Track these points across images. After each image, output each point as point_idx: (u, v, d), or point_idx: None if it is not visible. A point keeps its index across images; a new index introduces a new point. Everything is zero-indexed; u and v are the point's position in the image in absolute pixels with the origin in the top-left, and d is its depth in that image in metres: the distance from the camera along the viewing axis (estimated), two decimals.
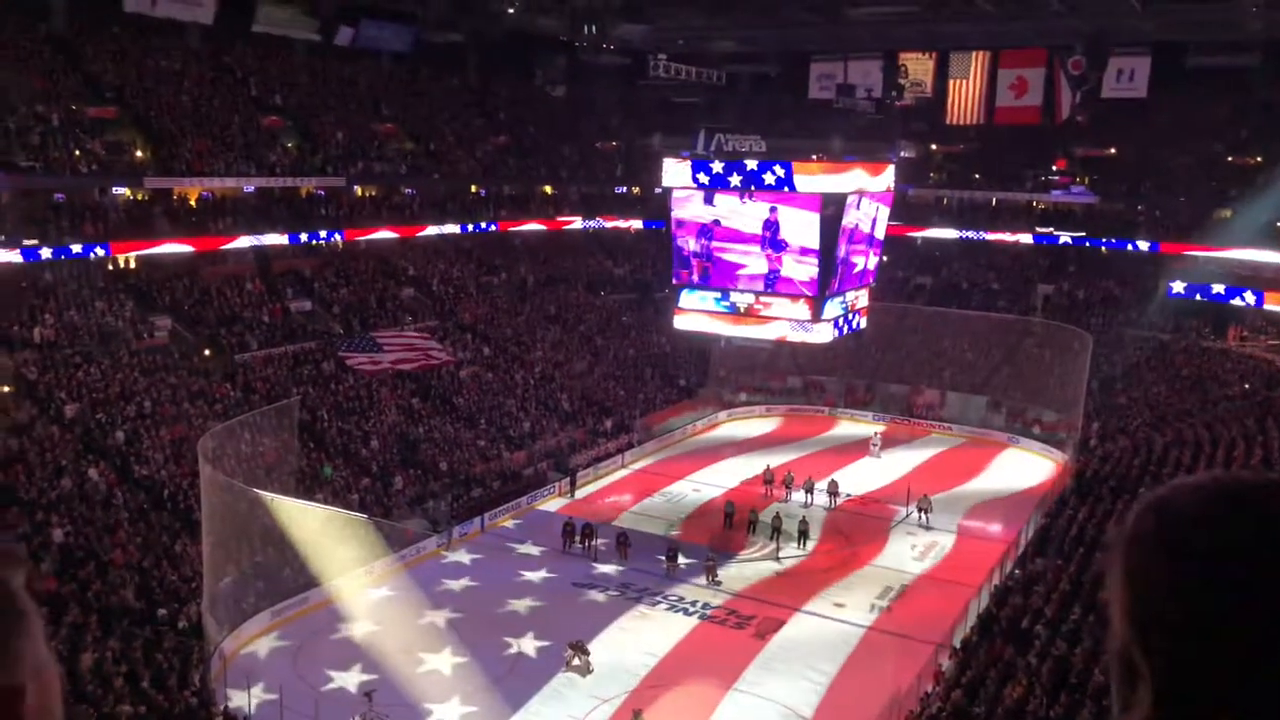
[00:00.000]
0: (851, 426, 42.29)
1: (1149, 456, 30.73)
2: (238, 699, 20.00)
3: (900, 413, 43.20)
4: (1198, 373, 39.61)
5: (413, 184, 45.88)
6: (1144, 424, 35.47)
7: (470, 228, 46.02)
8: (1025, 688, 18.13)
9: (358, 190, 43.86)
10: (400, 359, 35.22)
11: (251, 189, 39.46)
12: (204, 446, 24.23)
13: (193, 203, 38.43)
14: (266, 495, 24.79)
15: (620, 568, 27.48)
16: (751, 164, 27.49)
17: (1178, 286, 43.06)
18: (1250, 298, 40.42)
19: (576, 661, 21.71)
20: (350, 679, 21.26)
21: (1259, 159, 45.65)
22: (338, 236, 40.99)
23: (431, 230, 44.22)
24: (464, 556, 28.48)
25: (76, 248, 32.50)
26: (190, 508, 25.86)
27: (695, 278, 29.84)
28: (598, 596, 25.91)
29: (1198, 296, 42.46)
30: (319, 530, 25.52)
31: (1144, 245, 46.04)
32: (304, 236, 39.40)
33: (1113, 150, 51.10)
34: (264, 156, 39.48)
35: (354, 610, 24.52)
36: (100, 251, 33.49)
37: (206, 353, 33.46)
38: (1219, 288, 41.69)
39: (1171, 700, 0.98)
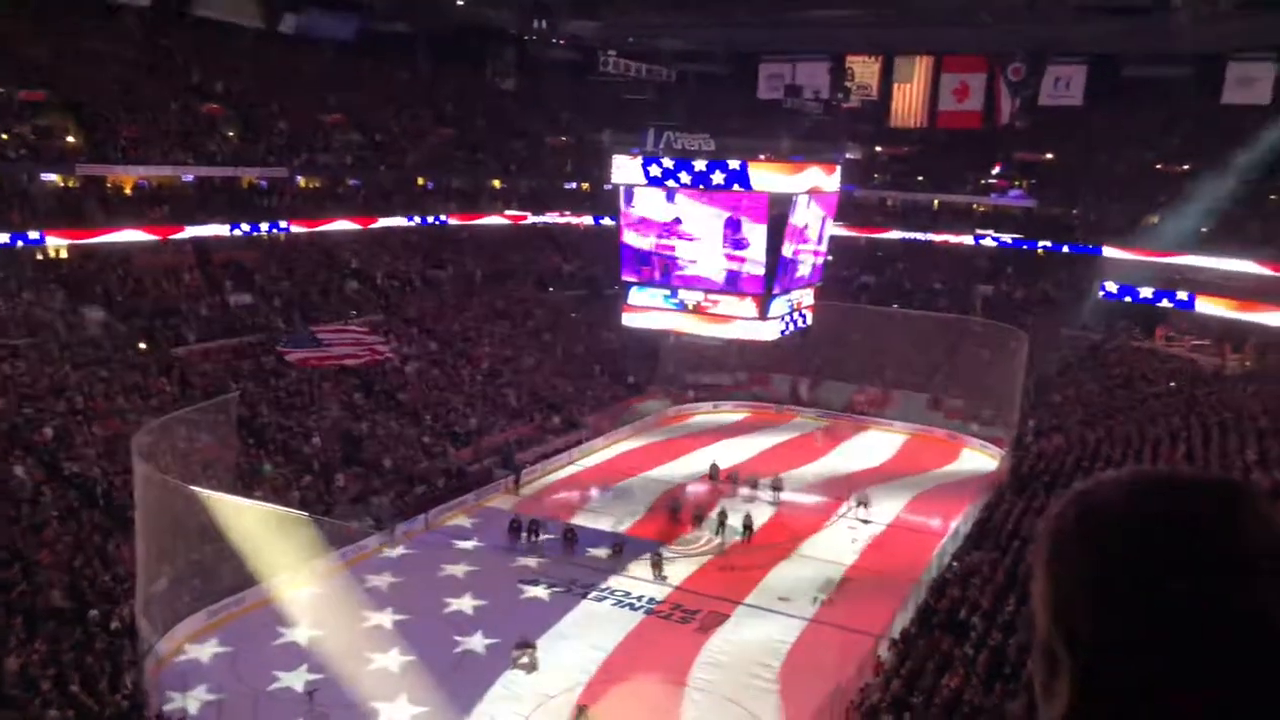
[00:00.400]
0: (796, 423, 42.73)
1: (1082, 452, 31.52)
2: (175, 701, 19.61)
3: (844, 409, 43.73)
4: (1128, 372, 40.69)
5: (358, 176, 45.37)
6: (1077, 421, 36.34)
7: (417, 221, 45.64)
8: (962, 678, 18.52)
9: (301, 181, 43.27)
10: (341, 354, 34.77)
11: (190, 178, 38.71)
12: (139, 442, 23.70)
13: (128, 191, 37.60)
14: (203, 492, 24.30)
15: (567, 563, 27.48)
16: (701, 162, 27.63)
17: (1110, 287, 44.17)
18: (1183, 296, 41.58)
19: (524, 659, 21.67)
20: (295, 679, 20.96)
21: (1187, 167, 47.03)
22: (279, 229, 40.33)
23: (377, 223, 43.76)
24: (407, 554, 28.24)
25: (3, 237, 31.57)
26: (124, 505, 25.24)
27: (644, 274, 29.94)
28: (544, 593, 25.88)
29: (1128, 299, 43.59)
30: (258, 528, 25.11)
31: (1080, 248, 47.16)
32: (245, 228, 38.71)
33: (1050, 156, 52.33)
34: (204, 145, 38.75)
35: (294, 610, 24.18)
36: (34, 235, 32.56)
37: (142, 346, 32.73)
38: (1147, 291, 42.83)
39: (1090, 690, 0.99)
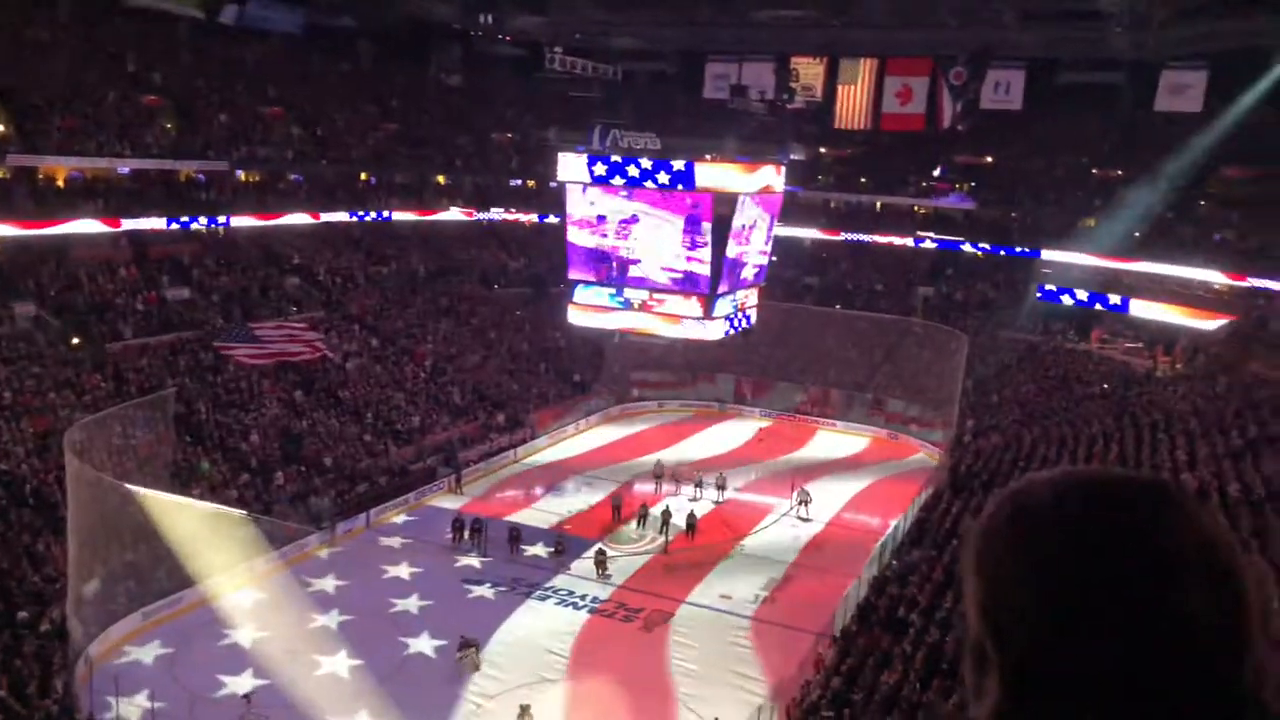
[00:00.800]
0: (740, 422, 43.04)
1: (1018, 452, 32.16)
2: (111, 708, 19.15)
3: (787, 409, 44.13)
4: (1064, 373, 41.62)
5: (300, 170, 44.72)
6: (1014, 421, 37.08)
7: (360, 216, 45.11)
8: (900, 674, 18.82)
9: (241, 175, 42.52)
10: (279, 351, 34.21)
11: (126, 170, 37.84)
12: (71, 439, 23.18)
13: (60, 183, 36.66)
14: (139, 491, 23.85)
15: (511, 562, 27.39)
16: (647, 161, 27.68)
17: (1046, 292, 45.02)
18: (1117, 299, 42.55)
19: (466, 658, 21.56)
20: (241, 684, 20.55)
21: (1122, 173, 48.22)
22: (218, 224, 39.61)
23: (319, 218, 43.17)
24: (348, 554, 27.93)
25: None
26: (54, 504, 24.65)
27: (590, 273, 29.94)
28: (488, 592, 25.76)
29: (1066, 298, 44.49)
30: (195, 527, 24.68)
31: (1016, 250, 48.08)
32: (175, 222, 37.93)
33: (990, 159, 53.26)
34: (140, 137, 37.91)
35: (234, 611, 23.79)
36: None
37: (75, 341, 31.94)
38: (1083, 294, 43.76)
39: (1018, 687, 1.00)
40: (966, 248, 49.67)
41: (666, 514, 29.92)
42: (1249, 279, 39.14)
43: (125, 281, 35.87)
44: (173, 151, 38.92)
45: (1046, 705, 0.98)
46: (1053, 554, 0.99)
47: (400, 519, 30.77)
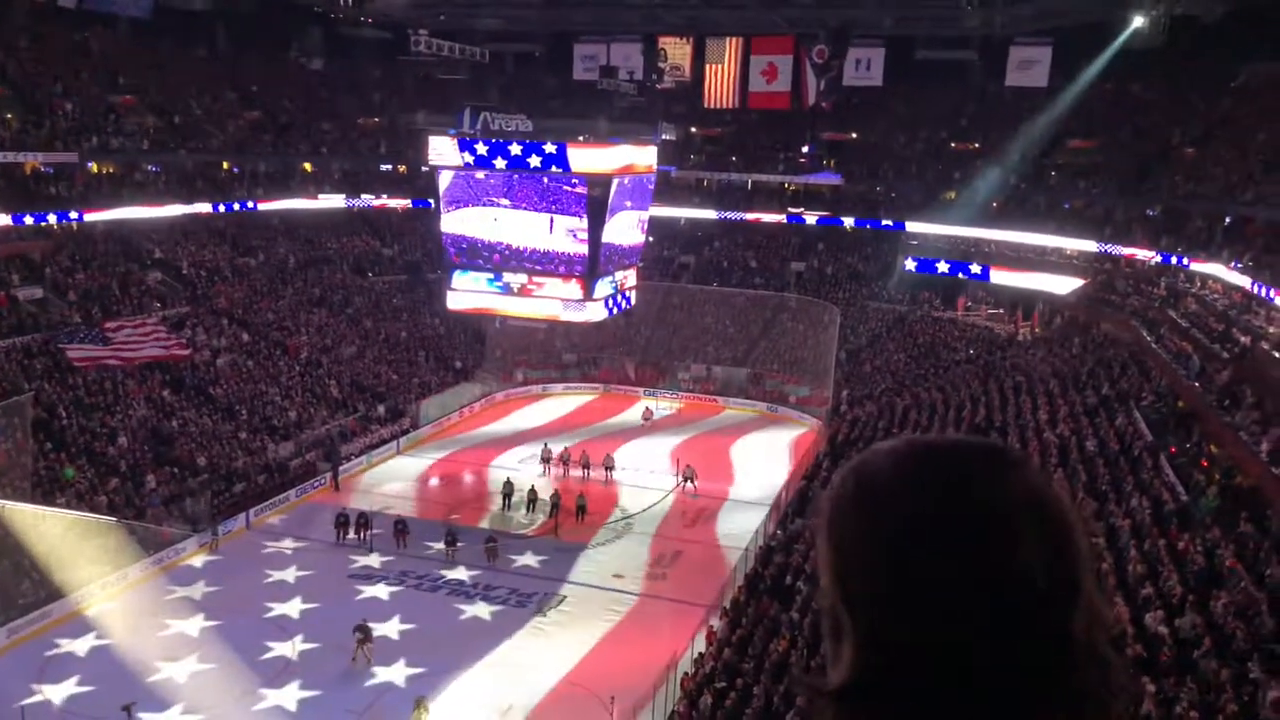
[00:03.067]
0: (624, 403, 43.36)
1: (891, 419, 33.45)
2: None
3: (668, 387, 44.67)
4: (931, 341, 43.39)
5: (157, 160, 42.81)
6: (886, 389, 38.52)
7: (223, 207, 43.50)
8: (789, 641, 19.43)
9: (93, 166, 40.47)
10: (130, 354, 32.75)
11: None
12: None
13: None
14: None
15: (400, 556, 27.04)
16: (518, 147, 27.57)
17: (910, 265, 46.64)
18: (977, 269, 44.36)
19: (360, 652, 21.25)
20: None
21: (978, 145, 50.31)
22: (69, 219, 37.62)
23: (179, 209, 41.44)
24: (228, 556, 27.09)
25: None
26: None
27: (466, 258, 29.68)
28: (377, 589, 25.37)
29: (931, 270, 46.14)
30: (61, 538, 23.59)
31: (881, 224, 49.68)
32: (30, 218, 35.94)
33: (854, 135, 54.79)
34: None
35: (102, 622, 22.83)
36: None
37: None
38: (945, 266, 45.47)
39: (870, 652, 1.04)
40: (815, 221, 50.96)
41: (555, 497, 30.02)
42: (1097, 245, 41.44)
43: None
44: (15, 144, 36.74)
45: (897, 668, 1.02)
46: (893, 520, 1.04)
47: (281, 518, 29.97)
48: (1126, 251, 40.08)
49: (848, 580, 1.06)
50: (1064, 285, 40.57)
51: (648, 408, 41.53)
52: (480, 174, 28.40)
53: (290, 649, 22.13)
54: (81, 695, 19.91)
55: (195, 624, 23.05)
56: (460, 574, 26.22)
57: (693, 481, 32.57)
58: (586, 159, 27.61)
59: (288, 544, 28.02)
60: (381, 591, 25.23)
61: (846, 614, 1.06)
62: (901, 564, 1.02)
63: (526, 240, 28.75)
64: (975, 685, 1.00)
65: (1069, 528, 1.06)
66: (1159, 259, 38.23)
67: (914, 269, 46.47)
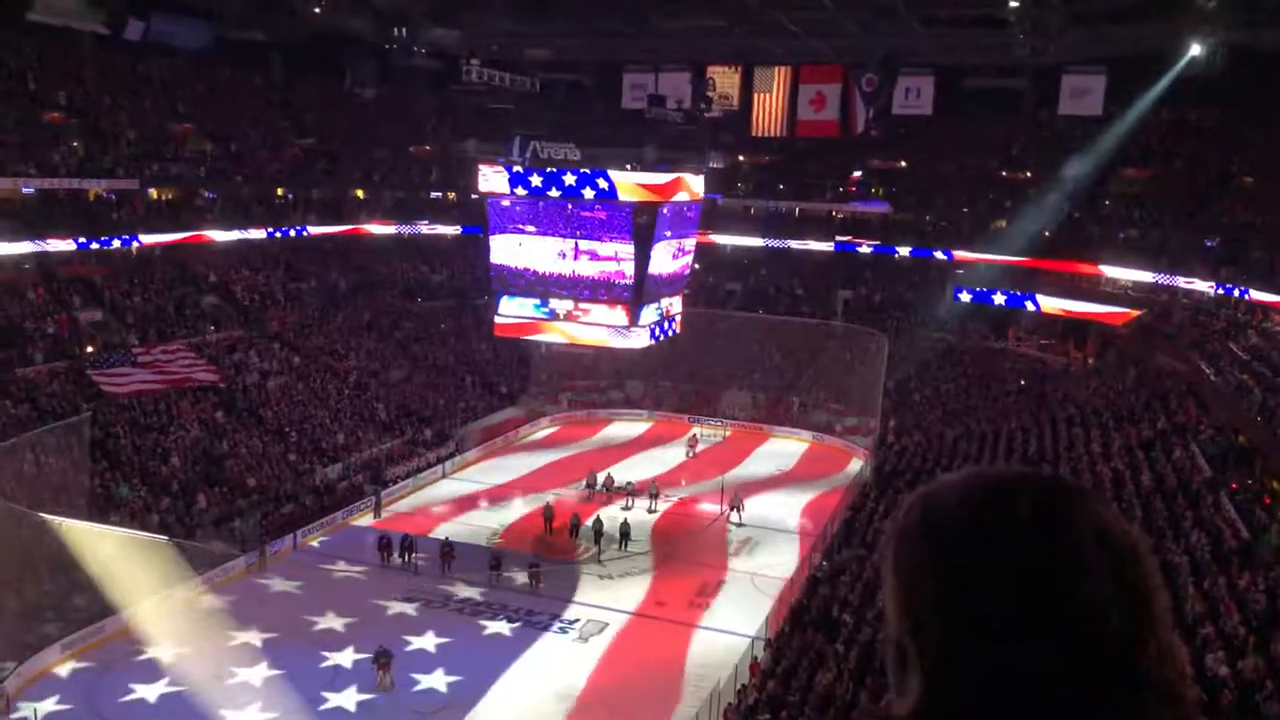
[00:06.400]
0: (670, 429, 43.21)
1: (940, 449, 32.98)
2: None
3: (712, 414, 44.46)
4: (981, 371, 42.77)
5: (213, 187, 43.72)
6: (935, 420, 38.00)
7: (277, 233, 44.29)
8: (834, 674, 19.12)
9: (153, 193, 41.45)
10: (159, 380, 33.27)
11: (32, 190, 36.62)
12: None
13: None
14: (54, 520, 23.09)
15: (444, 579, 27.09)
16: (570, 175, 27.80)
17: (965, 297, 45.94)
18: (1029, 298, 43.73)
19: (382, 675, 21.28)
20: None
21: (1028, 174, 49.75)
22: (130, 243, 38.54)
23: (235, 235, 42.27)
24: (276, 576, 27.36)
25: None
26: None
27: (514, 283, 29.88)
28: (420, 611, 25.43)
29: (974, 297, 45.39)
30: (115, 555, 23.97)
31: (927, 252, 49.22)
32: (92, 242, 36.83)
33: (903, 163, 54.49)
34: (46, 156, 36.74)
35: (158, 635, 23.14)
36: None
37: None
38: (999, 297, 44.73)
39: (938, 681, 1.04)
40: (869, 250, 50.62)
41: (599, 524, 29.93)
42: (1153, 275, 40.66)
43: (34, 305, 34.71)
44: (80, 171, 37.78)
45: (965, 699, 1.02)
46: (961, 553, 1.04)
47: (327, 539, 30.23)
48: (1184, 282, 39.28)
49: (915, 610, 1.07)
50: (1118, 316, 39.84)
51: (694, 435, 41.35)
52: (529, 200, 28.63)
53: (345, 659, 22.47)
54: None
55: (256, 635, 23.42)
56: (503, 598, 26.16)
57: (740, 510, 32.28)
58: (634, 187, 27.73)
59: (334, 566, 28.23)
60: (423, 612, 25.25)
61: (913, 643, 1.06)
62: (968, 594, 1.03)
63: (574, 267, 28.83)
64: (1043, 715, 0.99)
65: (1138, 559, 1.05)
66: (1218, 290, 37.41)
67: (969, 300, 45.84)
